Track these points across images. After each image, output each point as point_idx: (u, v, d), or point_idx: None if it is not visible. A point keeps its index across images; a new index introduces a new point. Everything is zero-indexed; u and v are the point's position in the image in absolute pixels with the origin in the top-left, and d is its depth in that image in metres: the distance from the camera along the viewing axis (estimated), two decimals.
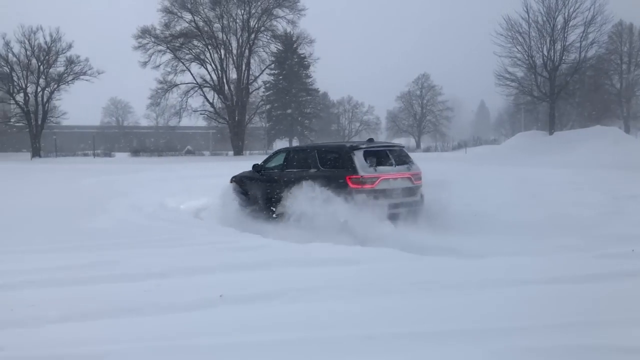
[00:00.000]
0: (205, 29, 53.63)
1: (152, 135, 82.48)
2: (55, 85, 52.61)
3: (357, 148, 10.00)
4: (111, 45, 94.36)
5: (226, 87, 55.66)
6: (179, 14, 53.12)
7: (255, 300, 5.39)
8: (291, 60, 64.24)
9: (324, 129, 77.49)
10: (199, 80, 55.03)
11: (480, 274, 6.25)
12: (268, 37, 57.06)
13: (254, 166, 12.48)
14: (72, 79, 52.65)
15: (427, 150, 68.09)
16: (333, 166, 10.17)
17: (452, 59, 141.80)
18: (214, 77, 55.08)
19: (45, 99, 52.84)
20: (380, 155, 10.04)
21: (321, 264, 6.89)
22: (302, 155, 11.25)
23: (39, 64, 51.24)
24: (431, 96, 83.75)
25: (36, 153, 51.97)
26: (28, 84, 51.83)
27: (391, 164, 10.01)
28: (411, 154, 11.59)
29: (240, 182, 12.90)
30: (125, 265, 6.92)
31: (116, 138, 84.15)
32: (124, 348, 4.20)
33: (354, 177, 9.56)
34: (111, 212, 12.18)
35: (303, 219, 9.73)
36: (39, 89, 52.16)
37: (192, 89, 55.08)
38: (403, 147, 10.98)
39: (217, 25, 54.38)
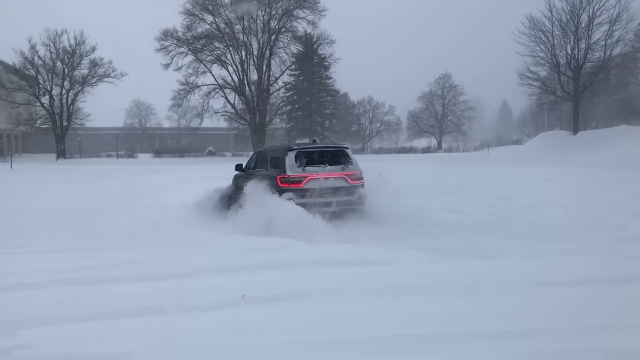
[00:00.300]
0: (226, 30, 53.95)
1: (174, 136, 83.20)
2: (80, 88, 53.39)
3: (290, 149, 10.55)
4: (134, 48, 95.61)
5: (247, 88, 55.94)
6: (200, 15, 53.55)
7: (278, 300, 5.41)
8: (311, 61, 64.29)
9: (344, 130, 77.37)
10: (220, 82, 55.42)
11: (502, 275, 6.19)
12: (288, 38, 57.22)
13: (236, 166, 13.27)
14: (96, 81, 53.39)
15: (449, 150, 67.59)
16: (273, 166, 10.85)
17: (473, 59, 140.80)
18: (235, 79, 55.43)
19: (69, 101, 53.66)
20: (314, 156, 10.48)
21: (342, 265, 6.89)
22: (262, 157, 12.00)
23: (64, 66, 52.04)
24: (453, 96, 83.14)
25: (61, 154, 52.81)
26: (53, 87, 52.67)
27: (323, 165, 10.37)
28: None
29: (234, 179, 13.56)
30: (148, 265, 6.99)
31: (139, 139, 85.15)
32: (147, 347, 4.24)
33: (283, 176, 10.16)
34: (134, 213, 12.32)
35: (242, 215, 10.20)
36: (64, 91, 52.99)
37: (213, 90, 55.48)
38: (345, 148, 11.12)
39: (238, 27, 54.68)
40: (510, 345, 4.10)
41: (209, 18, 53.59)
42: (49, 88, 52.53)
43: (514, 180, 20.25)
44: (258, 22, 54.95)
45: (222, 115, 57.93)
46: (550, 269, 6.54)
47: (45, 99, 53.01)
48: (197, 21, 53.65)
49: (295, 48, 59.49)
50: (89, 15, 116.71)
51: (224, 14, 53.89)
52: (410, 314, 4.95)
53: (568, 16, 44.07)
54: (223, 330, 4.61)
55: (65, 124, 53.55)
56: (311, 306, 5.25)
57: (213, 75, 55.10)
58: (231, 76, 55.38)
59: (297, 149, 10.63)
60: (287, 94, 66.97)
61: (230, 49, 54.72)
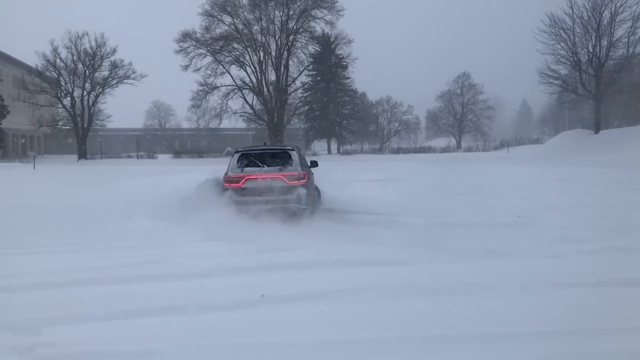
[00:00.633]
0: (245, 31, 54.25)
1: (193, 137, 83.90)
2: (100, 89, 54.12)
3: (237, 151, 11.31)
4: (153, 49, 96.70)
5: (265, 88, 56.19)
6: (219, 17, 53.91)
7: (296, 300, 5.44)
8: (329, 61, 64.36)
9: (362, 130, 77.27)
10: (239, 83, 55.76)
11: (522, 276, 6.13)
12: (306, 39, 57.36)
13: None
14: (117, 83, 54.10)
15: (468, 150, 67.09)
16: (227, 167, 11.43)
17: (493, 57, 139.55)
18: (253, 79, 55.71)
19: (90, 103, 54.41)
20: (256, 158, 11.01)
21: (360, 265, 6.89)
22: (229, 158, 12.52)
23: (85, 68, 52.79)
24: (472, 95, 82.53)
25: (82, 155, 53.56)
26: (74, 88, 53.49)
27: (263, 165, 10.85)
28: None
29: None
30: (169, 265, 7.08)
31: (159, 140, 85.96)
32: (168, 346, 4.30)
33: (225, 176, 10.85)
34: (155, 213, 12.41)
35: (193, 214, 10.68)
36: (85, 93, 53.74)
37: (232, 91, 55.84)
38: (290, 150, 11.34)
39: (256, 28, 55.03)
40: (531, 347, 4.07)
41: (228, 19, 53.98)
42: (70, 90, 53.33)
43: (534, 180, 20.05)
44: (276, 22, 55.18)
45: (240, 115, 58.32)
46: (572, 270, 6.47)
47: (66, 101, 53.82)
48: (216, 22, 54.08)
49: (313, 48, 59.68)
50: (109, 18, 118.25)
51: (242, 14, 54.22)
52: (428, 315, 4.94)
53: (589, 13, 43.53)
54: (243, 330, 4.65)
55: (86, 125, 54.24)
56: (329, 306, 5.27)
57: (231, 76, 55.53)
58: (249, 77, 55.73)
59: (241, 150, 11.32)
60: (305, 94, 67.12)
61: (249, 49, 55.02)
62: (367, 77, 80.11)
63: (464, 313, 4.95)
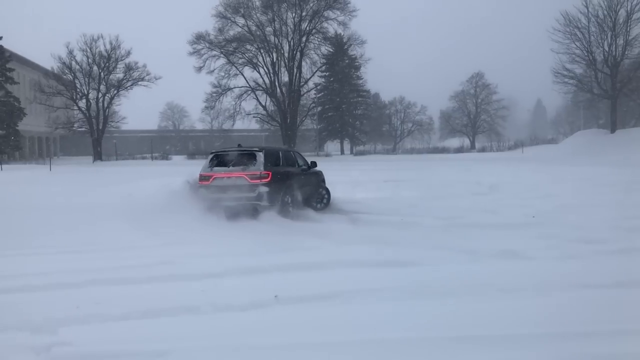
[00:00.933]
0: (258, 33, 54.40)
1: (207, 138, 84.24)
2: (115, 91, 54.54)
3: (211, 152, 12.32)
4: (167, 51, 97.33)
5: (278, 90, 56.30)
6: (232, 18, 54.12)
7: (310, 301, 5.43)
8: (342, 62, 64.32)
9: (375, 130, 77.08)
10: (252, 84, 55.93)
11: (538, 277, 6.08)
12: (319, 40, 57.36)
13: None
14: (131, 85, 54.45)
15: (482, 150, 66.61)
16: None
17: (507, 57, 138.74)
18: (266, 81, 55.87)
19: (105, 105, 54.85)
20: (226, 158, 11.87)
21: (375, 266, 6.87)
22: None
23: (100, 70, 53.23)
24: (486, 95, 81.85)
25: (98, 156, 54.03)
26: (90, 91, 53.95)
27: (228, 165, 11.66)
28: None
29: None
30: (183, 265, 7.10)
31: (173, 141, 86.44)
32: (183, 346, 4.31)
33: (199, 174, 11.74)
34: (169, 213, 12.47)
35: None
36: (100, 95, 54.17)
37: (245, 92, 56.04)
38: (257, 151, 11.81)
39: (269, 29, 55.14)
40: (547, 349, 4.03)
41: (241, 21, 54.18)
42: (85, 92, 53.79)
43: (550, 180, 19.87)
44: (289, 24, 55.26)
45: (253, 117, 58.52)
46: (589, 271, 6.40)
47: (82, 103, 54.29)
48: (229, 24, 54.29)
49: (325, 49, 59.65)
50: (124, 21, 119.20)
51: (255, 16, 54.37)
52: (443, 316, 4.91)
53: (605, 12, 43.11)
54: (257, 330, 4.66)
55: (101, 126, 54.72)
56: (343, 307, 5.26)
57: (245, 78, 55.72)
58: (262, 78, 55.88)
59: (214, 152, 12.33)
60: (318, 95, 67.15)
61: (262, 51, 55.16)
62: (380, 77, 79.80)
63: (479, 314, 4.91)
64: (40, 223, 11.51)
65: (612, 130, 44.27)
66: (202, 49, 53.80)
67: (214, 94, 55.39)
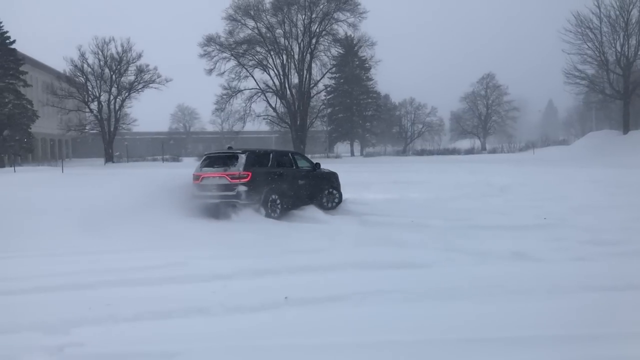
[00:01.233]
0: (268, 35, 54.50)
1: (217, 140, 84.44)
2: (127, 94, 54.94)
3: (204, 154, 13.85)
4: (178, 54, 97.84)
5: (288, 91, 56.36)
6: (242, 21, 54.25)
7: (320, 303, 5.43)
8: (352, 64, 64.28)
9: (385, 132, 76.94)
10: (262, 86, 56.00)
11: (549, 279, 6.05)
12: (329, 41, 57.30)
13: None
14: (142, 87, 54.83)
15: (493, 151, 66.28)
16: None
17: (518, 58, 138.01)
18: (276, 82, 55.91)
19: (117, 107, 55.26)
20: (214, 159, 12.97)
21: (385, 268, 6.87)
22: None
23: (112, 73, 53.65)
24: (496, 96, 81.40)
25: (109, 158, 54.40)
26: (101, 93, 54.37)
27: (215, 166, 12.67)
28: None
29: None
30: (193, 267, 7.14)
31: (183, 143, 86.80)
32: (193, 347, 4.34)
33: (193, 174, 12.88)
34: (178, 215, 12.53)
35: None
36: (112, 97, 54.59)
37: (255, 94, 56.10)
38: (241, 153, 12.53)
39: (279, 31, 55.20)
40: (558, 351, 4.01)
41: (251, 23, 54.27)
42: (97, 94, 54.23)
43: (561, 182, 19.73)
44: (299, 26, 55.29)
45: (264, 118, 58.55)
46: (601, 273, 6.36)
47: (94, 105, 54.74)
48: (239, 26, 54.41)
49: (335, 51, 59.58)
50: (135, 23, 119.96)
51: (265, 18, 54.47)
52: (453, 317, 4.90)
53: (617, 12, 42.79)
54: (267, 331, 4.67)
55: (112, 129, 55.10)
56: (353, 309, 5.26)
57: (255, 80, 55.79)
58: (272, 80, 55.91)
59: (207, 153, 13.69)
60: (328, 97, 67.12)
61: (272, 53, 55.23)
62: (390, 78, 79.60)
63: (489, 316, 4.90)
64: (53, 225, 11.59)
65: (625, 132, 43.91)
66: (213, 51, 54.00)
67: (224, 96, 55.54)
